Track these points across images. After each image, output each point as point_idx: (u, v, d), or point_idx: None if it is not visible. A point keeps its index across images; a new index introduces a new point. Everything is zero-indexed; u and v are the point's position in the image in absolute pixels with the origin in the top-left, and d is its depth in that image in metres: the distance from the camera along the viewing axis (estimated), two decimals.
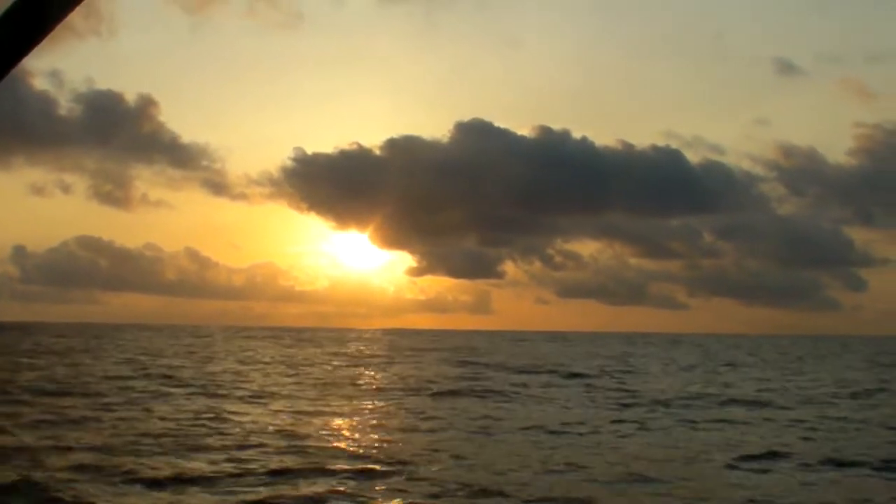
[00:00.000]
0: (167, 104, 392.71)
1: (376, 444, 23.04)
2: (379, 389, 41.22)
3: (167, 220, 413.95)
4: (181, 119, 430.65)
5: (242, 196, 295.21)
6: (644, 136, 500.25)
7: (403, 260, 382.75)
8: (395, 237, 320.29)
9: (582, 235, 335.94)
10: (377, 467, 19.44)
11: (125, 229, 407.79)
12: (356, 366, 61.55)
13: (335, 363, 64.54)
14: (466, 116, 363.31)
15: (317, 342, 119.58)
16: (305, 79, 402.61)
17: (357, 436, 24.99)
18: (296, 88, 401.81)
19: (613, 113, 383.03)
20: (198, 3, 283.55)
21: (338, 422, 28.34)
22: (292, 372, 52.31)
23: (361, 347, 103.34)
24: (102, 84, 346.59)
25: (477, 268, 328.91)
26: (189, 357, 67.77)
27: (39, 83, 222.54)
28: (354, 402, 34.64)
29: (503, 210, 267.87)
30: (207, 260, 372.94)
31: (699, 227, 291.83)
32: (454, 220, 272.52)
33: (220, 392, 37.11)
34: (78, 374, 45.64)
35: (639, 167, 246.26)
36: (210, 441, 22.75)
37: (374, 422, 28.66)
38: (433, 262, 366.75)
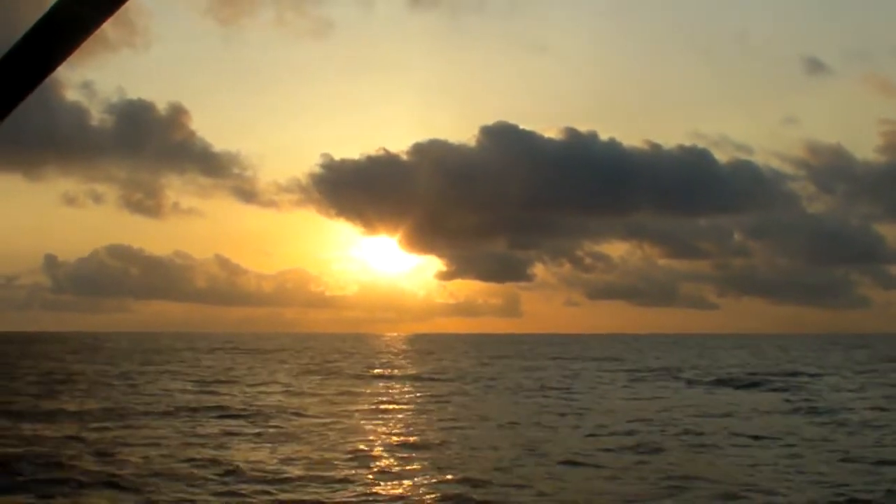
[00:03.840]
0: (198, 113, 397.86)
1: None
2: None
3: (197, 228, 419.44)
4: (212, 127, 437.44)
5: (272, 203, 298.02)
6: (671, 136, 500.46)
7: (433, 264, 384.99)
8: (424, 241, 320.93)
9: (611, 237, 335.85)
10: None
11: (155, 237, 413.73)
12: None
13: None
14: (492, 120, 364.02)
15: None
16: (333, 86, 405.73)
17: None
18: (324, 95, 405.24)
19: (640, 113, 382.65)
20: (230, 15, 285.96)
21: None
22: None
23: None
24: (134, 94, 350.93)
25: (506, 270, 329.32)
26: None
27: (71, 94, 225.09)
28: None
29: (531, 212, 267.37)
30: (237, 267, 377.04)
31: (728, 226, 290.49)
32: (483, 224, 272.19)
33: None
34: None
35: (666, 167, 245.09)
36: None
37: None
38: (462, 266, 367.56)
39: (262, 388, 45.48)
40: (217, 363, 74.21)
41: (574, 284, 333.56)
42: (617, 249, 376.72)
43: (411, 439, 26.15)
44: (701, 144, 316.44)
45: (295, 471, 20.56)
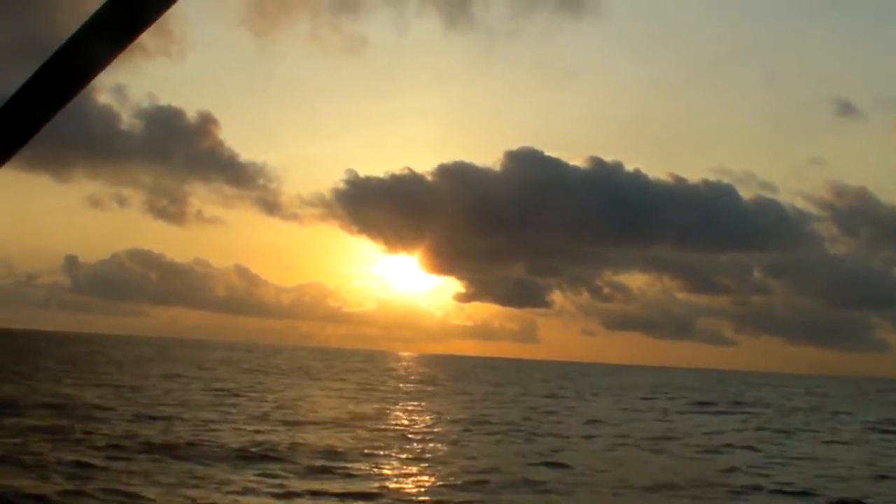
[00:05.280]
0: (228, 123, 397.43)
1: None
2: None
3: (219, 237, 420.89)
4: (240, 138, 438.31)
5: (294, 216, 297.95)
6: (696, 170, 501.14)
7: (451, 285, 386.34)
8: (444, 262, 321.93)
9: (631, 268, 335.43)
10: None
11: (177, 244, 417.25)
12: None
13: None
14: (518, 145, 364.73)
15: None
16: (362, 103, 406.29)
17: None
18: (352, 112, 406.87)
19: (666, 146, 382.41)
20: (265, 27, 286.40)
21: None
22: None
23: None
24: (164, 100, 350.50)
25: (525, 296, 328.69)
26: None
27: (103, 97, 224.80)
28: None
29: (552, 239, 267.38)
30: (256, 278, 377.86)
31: (749, 263, 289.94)
32: (503, 248, 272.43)
33: None
34: None
35: (690, 201, 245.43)
36: None
37: None
38: (481, 289, 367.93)
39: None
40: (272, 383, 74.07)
41: (591, 313, 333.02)
42: (636, 281, 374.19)
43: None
44: (726, 180, 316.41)
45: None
